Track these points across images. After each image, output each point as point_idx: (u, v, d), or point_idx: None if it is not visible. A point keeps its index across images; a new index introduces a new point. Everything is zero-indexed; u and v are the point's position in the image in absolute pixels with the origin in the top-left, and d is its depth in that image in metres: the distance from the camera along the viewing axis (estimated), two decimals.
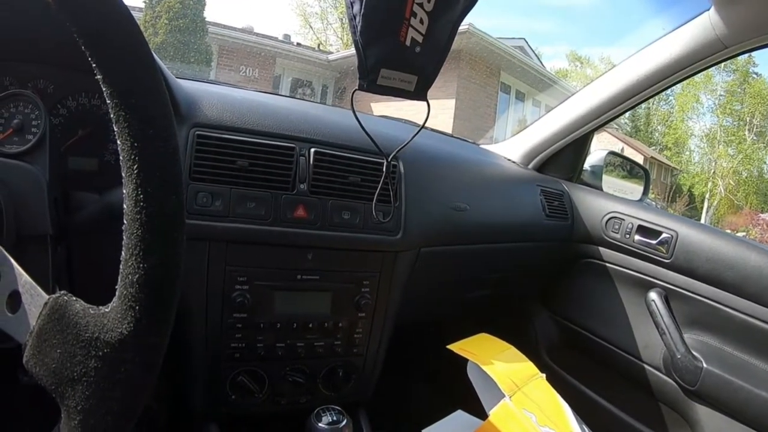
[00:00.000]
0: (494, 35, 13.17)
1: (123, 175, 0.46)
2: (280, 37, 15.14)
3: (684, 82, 1.49)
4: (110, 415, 0.46)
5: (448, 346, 1.21)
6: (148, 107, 0.47)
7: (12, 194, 0.68)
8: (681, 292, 1.38)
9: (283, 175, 0.98)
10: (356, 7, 0.74)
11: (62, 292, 0.49)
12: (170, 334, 0.49)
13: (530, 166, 1.79)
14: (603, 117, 1.61)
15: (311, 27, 23.31)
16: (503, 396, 1.08)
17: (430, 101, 0.85)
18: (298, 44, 16.12)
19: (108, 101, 0.46)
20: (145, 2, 10.82)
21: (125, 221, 0.46)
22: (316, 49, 18.46)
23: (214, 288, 0.97)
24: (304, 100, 1.86)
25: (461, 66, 12.42)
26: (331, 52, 16.24)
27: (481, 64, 13.14)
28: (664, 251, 1.42)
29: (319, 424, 0.95)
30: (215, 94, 1.06)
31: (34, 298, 0.49)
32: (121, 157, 0.46)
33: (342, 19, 22.46)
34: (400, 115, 1.71)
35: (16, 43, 0.93)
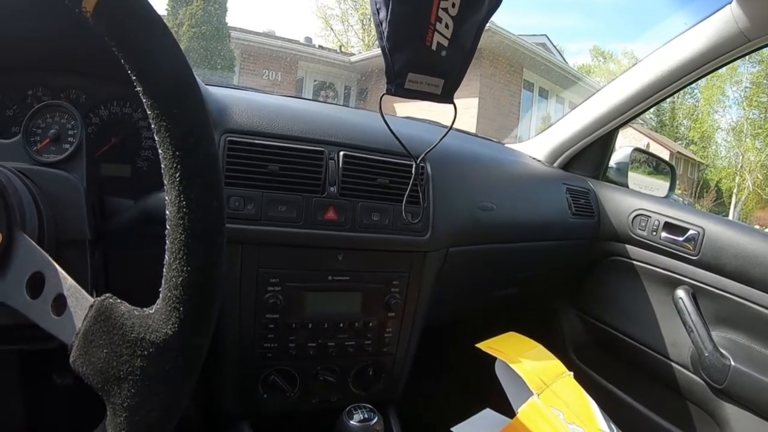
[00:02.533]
0: (515, 32, 13.09)
1: (165, 182, 0.48)
2: (302, 40, 15.16)
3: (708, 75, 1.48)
4: (155, 411, 0.48)
5: (477, 345, 1.22)
6: (188, 116, 0.49)
7: (51, 202, 0.69)
8: (709, 289, 1.37)
9: (313, 178, 0.99)
10: (382, 14, 0.75)
11: (107, 294, 0.50)
12: (212, 334, 0.51)
13: (555, 164, 1.79)
14: (627, 114, 1.61)
15: (332, 29, 23.31)
16: (531, 394, 1.09)
17: (456, 101, 0.86)
18: (320, 47, 16.12)
19: (148, 112, 0.48)
20: (167, 10, 10.89)
21: (168, 226, 0.48)
22: (338, 51, 18.43)
23: (247, 290, 0.98)
24: (327, 102, 1.88)
25: (483, 65, 12.33)
26: (353, 54, 16.21)
27: (504, 63, 13.04)
28: (691, 248, 1.41)
29: (351, 422, 0.96)
30: (244, 99, 1.08)
31: (79, 301, 0.51)
32: (162, 166, 0.48)
33: (363, 21, 22.41)
34: (423, 115, 1.71)
35: (50, 55, 0.95)
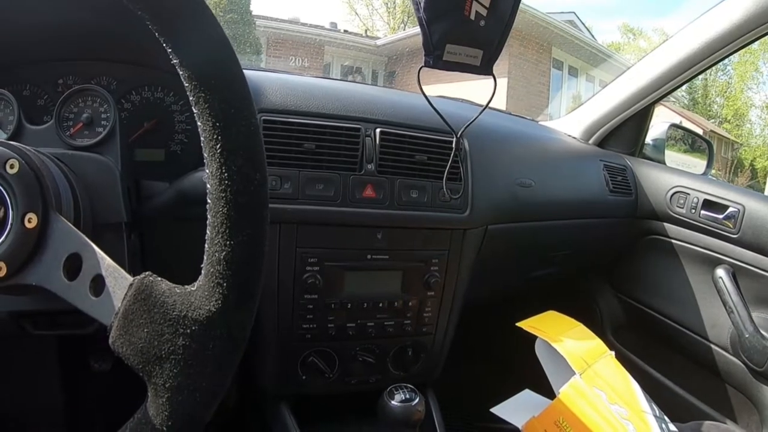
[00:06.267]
0: (543, 11, 12.98)
1: (205, 155, 0.47)
2: (327, 26, 15.18)
3: (742, 50, 1.43)
4: (198, 391, 0.47)
5: (518, 323, 1.20)
6: (228, 87, 0.48)
7: (87, 185, 0.69)
8: (749, 268, 1.34)
9: (350, 155, 0.99)
10: None
11: (147, 273, 0.50)
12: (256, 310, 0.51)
13: (591, 141, 1.76)
14: (664, 88, 1.56)
15: (357, 13, 23.13)
16: (573, 373, 1.07)
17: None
18: (346, 31, 16.15)
19: (186, 84, 0.47)
20: None
21: (209, 200, 0.48)
22: (364, 35, 18.43)
23: (286, 270, 0.98)
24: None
25: (511, 44, 12.23)
26: (379, 37, 16.24)
27: (532, 41, 12.94)
28: (731, 226, 1.38)
29: (392, 402, 0.95)
30: (277, 80, 1.08)
31: (118, 280, 0.50)
32: (202, 138, 0.48)
33: (387, 4, 22.30)
34: (453, 95, 1.70)
35: (79, 43, 0.95)
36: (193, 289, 0.48)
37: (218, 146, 0.47)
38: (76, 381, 1.19)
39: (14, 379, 1.15)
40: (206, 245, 0.48)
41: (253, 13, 11.71)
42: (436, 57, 0.78)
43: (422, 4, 0.74)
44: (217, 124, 0.47)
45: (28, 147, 0.58)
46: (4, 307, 0.65)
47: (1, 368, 1.09)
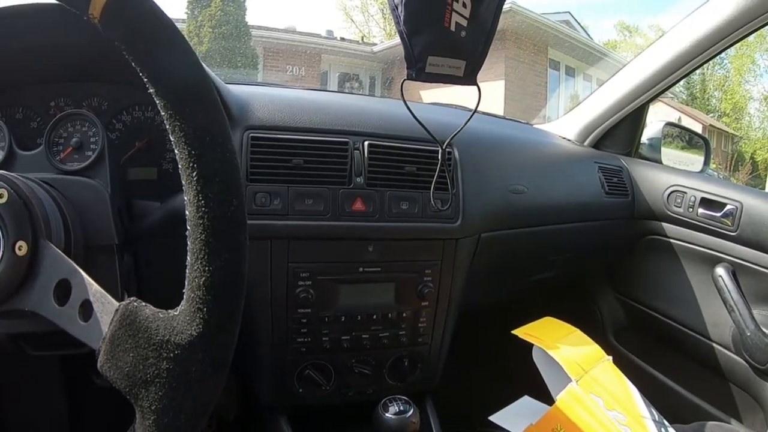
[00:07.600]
0: (538, 11, 13.00)
1: (183, 182, 0.48)
2: (324, 34, 15.21)
3: (737, 44, 1.43)
4: (183, 413, 0.48)
5: (513, 331, 1.20)
6: (203, 115, 0.49)
7: (77, 209, 0.71)
8: (749, 266, 1.34)
9: (339, 169, 0.99)
10: None
11: (132, 298, 0.51)
12: (238, 332, 0.51)
13: (586, 143, 1.75)
14: (657, 87, 1.56)
15: (353, 21, 23.21)
16: (570, 380, 1.07)
17: (480, 83, 0.84)
18: (342, 39, 16.19)
19: (162, 113, 0.48)
20: (187, 13, 11.04)
21: (188, 227, 0.48)
22: (360, 42, 18.51)
23: (278, 285, 0.98)
24: (352, 93, 1.87)
25: (507, 46, 12.26)
26: (375, 44, 16.29)
27: (528, 43, 12.95)
28: (730, 224, 1.37)
29: (387, 414, 0.95)
30: (265, 95, 1.08)
31: (105, 305, 0.51)
32: (180, 166, 0.48)
33: (383, 10, 22.32)
34: (450, 100, 1.69)
35: (70, 65, 0.96)
36: (175, 313, 0.49)
37: (194, 174, 0.48)
38: (79, 394, 1.20)
39: (19, 392, 1.16)
40: (187, 271, 0.49)
41: (249, 24, 11.73)
42: (418, 69, 0.78)
43: (402, 18, 0.74)
44: (193, 152, 0.48)
45: (16, 175, 0.59)
46: (1, 329, 0.67)
47: (6, 382, 1.11)
